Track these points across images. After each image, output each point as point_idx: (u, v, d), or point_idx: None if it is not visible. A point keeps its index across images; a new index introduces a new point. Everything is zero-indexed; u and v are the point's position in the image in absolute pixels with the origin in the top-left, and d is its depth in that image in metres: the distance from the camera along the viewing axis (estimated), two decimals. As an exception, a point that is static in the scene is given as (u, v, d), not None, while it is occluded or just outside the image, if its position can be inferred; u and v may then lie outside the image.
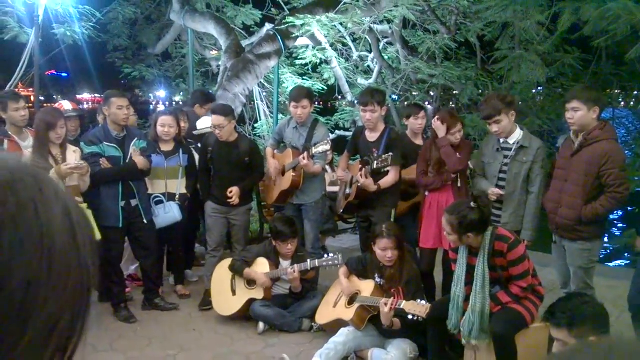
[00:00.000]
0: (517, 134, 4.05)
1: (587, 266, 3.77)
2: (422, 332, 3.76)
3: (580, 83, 7.11)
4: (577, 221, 3.68)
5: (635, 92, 9.47)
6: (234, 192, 4.79)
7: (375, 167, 4.34)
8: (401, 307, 3.67)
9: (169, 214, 4.98)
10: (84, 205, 4.34)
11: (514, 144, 4.04)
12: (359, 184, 4.45)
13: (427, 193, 4.45)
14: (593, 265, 3.82)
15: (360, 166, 4.60)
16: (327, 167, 5.76)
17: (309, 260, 4.43)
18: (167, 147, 5.06)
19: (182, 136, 5.24)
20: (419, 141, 4.94)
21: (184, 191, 5.15)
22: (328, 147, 4.59)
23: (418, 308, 3.56)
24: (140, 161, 4.57)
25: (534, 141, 4.08)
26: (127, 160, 4.57)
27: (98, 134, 4.54)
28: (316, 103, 9.77)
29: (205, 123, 5.72)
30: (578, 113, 3.64)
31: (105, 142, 4.50)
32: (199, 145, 5.30)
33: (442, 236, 4.26)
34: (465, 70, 8.07)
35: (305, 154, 4.62)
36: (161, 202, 4.98)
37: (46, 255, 0.52)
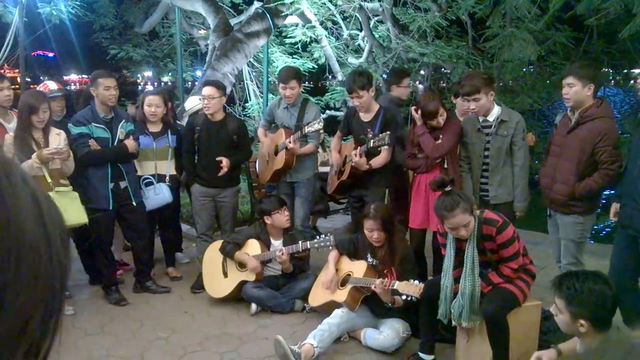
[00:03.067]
0: (496, 111, 4.08)
1: (579, 240, 3.83)
2: (415, 311, 3.77)
3: (571, 61, 7.10)
4: (571, 197, 3.73)
5: (626, 70, 9.49)
6: (224, 162, 4.74)
7: (371, 145, 4.32)
8: (394, 287, 3.66)
9: (159, 195, 4.93)
10: (70, 189, 4.28)
11: (493, 120, 4.04)
12: (352, 163, 4.43)
13: (415, 173, 4.45)
14: (584, 240, 3.89)
15: (355, 145, 4.56)
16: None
17: (300, 242, 4.42)
18: (155, 128, 4.99)
19: (169, 117, 5.17)
20: None
21: (174, 172, 5.10)
22: (320, 125, 4.60)
23: (411, 288, 3.56)
24: (130, 145, 4.51)
25: (513, 115, 4.12)
26: (116, 143, 4.51)
27: (86, 115, 4.46)
28: (306, 82, 9.69)
29: (192, 102, 5.65)
30: (573, 89, 3.68)
31: (93, 123, 4.42)
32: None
33: (429, 217, 4.27)
34: (456, 49, 8.02)
35: (292, 137, 4.61)
36: (151, 183, 4.93)
37: (14, 246, 0.47)
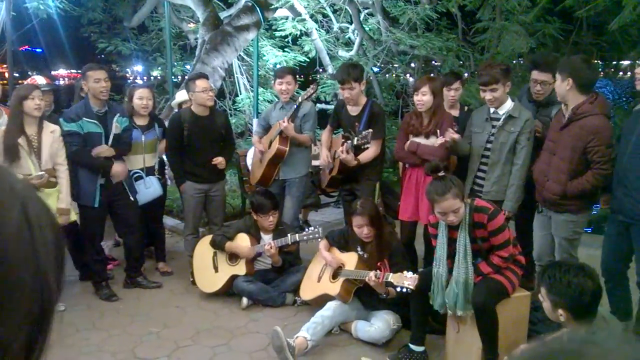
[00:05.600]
0: (508, 105, 4.02)
1: (572, 237, 3.78)
2: (405, 303, 3.78)
3: (560, 53, 7.12)
4: (562, 196, 3.66)
5: (615, 62, 9.53)
6: (222, 161, 4.81)
7: (355, 143, 4.31)
8: (389, 279, 3.66)
9: (150, 189, 4.91)
10: (57, 188, 4.23)
11: (503, 114, 4.01)
12: (341, 158, 4.43)
13: (407, 165, 4.43)
14: (578, 237, 3.83)
15: (343, 140, 4.56)
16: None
17: (289, 235, 4.41)
18: (142, 122, 4.95)
19: (156, 110, 5.14)
20: (454, 112, 4.62)
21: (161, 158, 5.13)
22: (313, 90, 4.64)
23: (406, 280, 3.55)
24: (117, 170, 4.46)
25: (523, 112, 4.03)
26: (111, 137, 4.46)
27: (78, 110, 4.41)
28: (297, 76, 9.65)
29: (182, 96, 5.61)
30: (556, 84, 3.64)
31: (85, 118, 4.37)
32: None
33: (419, 209, 4.26)
34: (446, 42, 8.02)
35: (285, 117, 4.60)
36: (140, 177, 4.90)
37: None
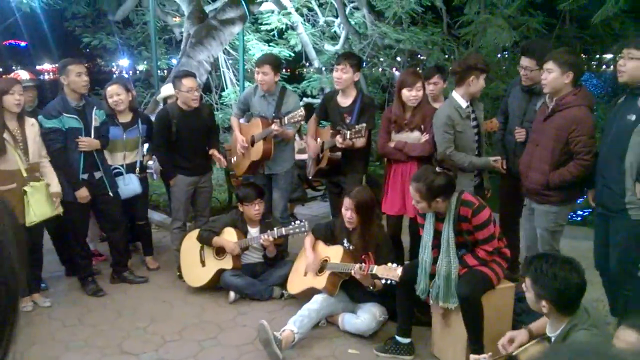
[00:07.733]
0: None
1: (553, 229, 3.79)
2: (392, 295, 3.81)
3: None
4: (545, 186, 3.68)
5: (598, 56, 9.62)
6: (216, 153, 4.90)
7: (348, 137, 4.27)
8: (373, 272, 3.69)
9: (128, 186, 4.89)
10: (43, 182, 4.20)
11: (467, 108, 4.04)
12: (343, 145, 4.39)
13: (391, 162, 4.44)
14: (559, 229, 3.83)
15: (333, 133, 4.53)
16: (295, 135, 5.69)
17: (275, 229, 4.43)
18: (125, 118, 4.91)
19: (135, 103, 5.09)
20: (438, 105, 4.47)
21: (142, 159, 5.11)
22: (300, 117, 4.51)
23: (390, 272, 3.59)
24: (82, 196, 4.45)
25: (479, 102, 4.21)
26: (92, 130, 4.44)
27: (57, 106, 4.37)
28: (282, 70, 9.63)
29: (168, 90, 5.57)
30: (551, 75, 3.58)
31: (64, 114, 4.34)
32: None
33: (407, 203, 4.28)
34: (431, 35, 8.05)
35: (275, 126, 4.56)
36: (120, 174, 4.88)
37: None
